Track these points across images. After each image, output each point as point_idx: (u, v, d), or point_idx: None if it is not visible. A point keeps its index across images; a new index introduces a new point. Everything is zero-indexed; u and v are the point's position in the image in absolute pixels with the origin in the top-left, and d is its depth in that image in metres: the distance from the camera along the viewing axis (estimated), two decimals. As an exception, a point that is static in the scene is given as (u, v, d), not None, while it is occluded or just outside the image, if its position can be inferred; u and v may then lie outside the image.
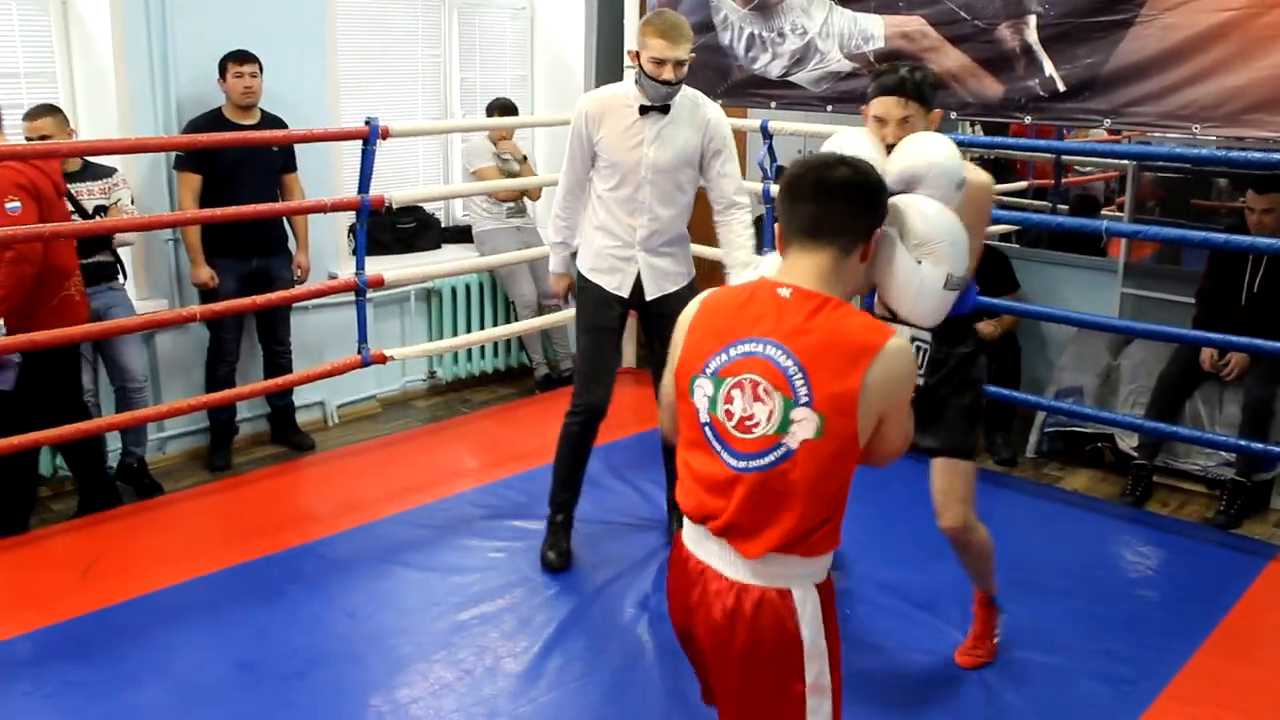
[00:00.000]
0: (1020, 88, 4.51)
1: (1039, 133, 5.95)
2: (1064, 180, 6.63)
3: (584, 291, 3.80)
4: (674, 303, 3.59)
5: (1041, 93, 4.46)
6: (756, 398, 1.86)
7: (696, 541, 1.99)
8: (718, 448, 1.92)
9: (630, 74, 3.62)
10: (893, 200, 2.12)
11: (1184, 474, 4.76)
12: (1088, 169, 6.74)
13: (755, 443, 1.87)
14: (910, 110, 2.82)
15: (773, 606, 1.90)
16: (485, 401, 5.86)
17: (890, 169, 2.46)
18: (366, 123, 4.60)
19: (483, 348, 6.01)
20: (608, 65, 6.18)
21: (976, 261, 2.86)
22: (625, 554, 3.97)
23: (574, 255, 3.92)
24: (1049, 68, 4.43)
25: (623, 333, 3.87)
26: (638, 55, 3.49)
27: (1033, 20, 4.42)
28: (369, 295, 4.90)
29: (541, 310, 5.87)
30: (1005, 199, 7.14)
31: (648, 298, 3.75)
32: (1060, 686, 3.20)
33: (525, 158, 5.95)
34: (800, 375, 1.83)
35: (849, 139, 2.71)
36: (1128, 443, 4.83)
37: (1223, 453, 4.56)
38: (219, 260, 4.67)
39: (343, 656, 3.28)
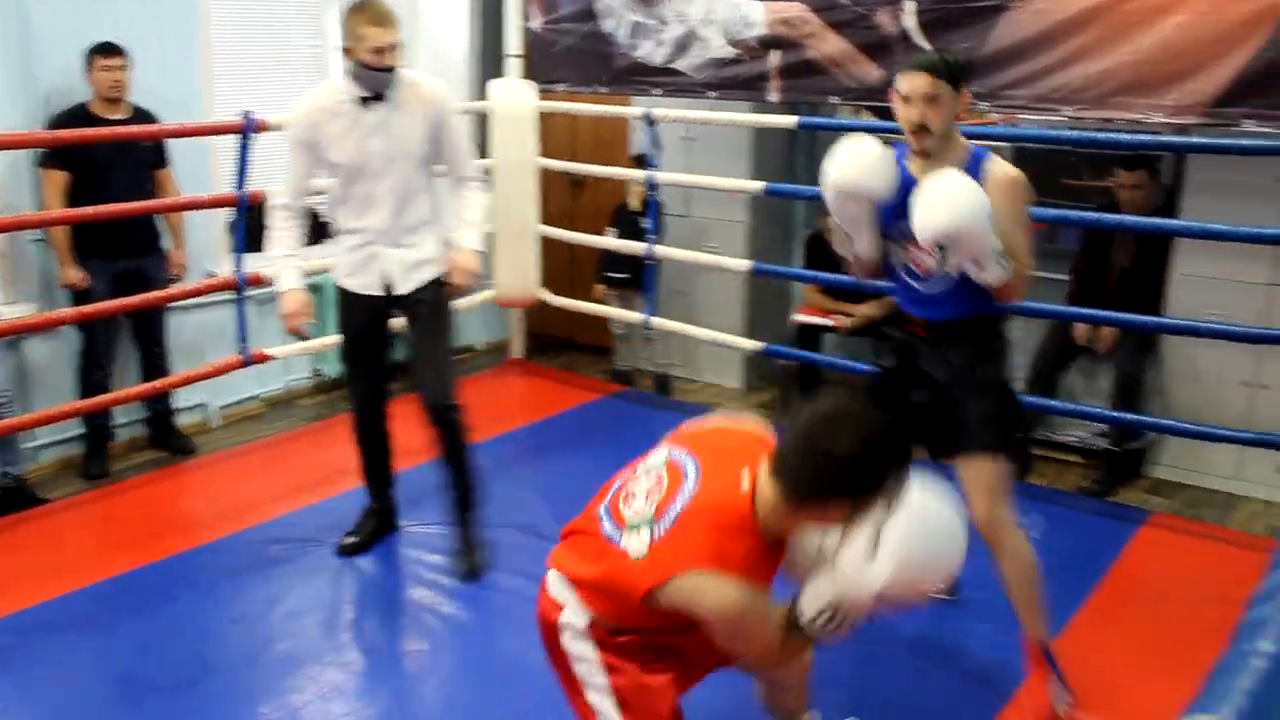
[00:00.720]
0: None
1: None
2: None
3: (338, 298, 3.76)
4: (429, 293, 3.66)
5: (918, 77, 4.53)
6: (647, 495, 2.10)
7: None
8: (601, 508, 2.20)
9: (341, 71, 3.53)
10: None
11: (1061, 445, 4.91)
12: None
13: (618, 517, 2.12)
14: (940, 89, 2.77)
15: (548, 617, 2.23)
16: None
17: (918, 229, 2.65)
18: (242, 116, 4.49)
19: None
20: (490, 56, 6.12)
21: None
22: (514, 549, 3.94)
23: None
24: (926, 52, 4.50)
25: (382, 336, 3.79)
26: (350, 50, 3.37)
27: (910, 6, 4.50)
28: (249, 293, 4.78)
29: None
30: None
31: (399, 291, 3.65)
32: (943, 653, 3.27)
33: None
34: (669, 519, 2.03)
35: (857, 145, 2.81)
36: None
37: (1097, 423, 4.70)
38: (90, 261, 4.50)
39: (231, 664, 3.21)
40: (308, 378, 5.80)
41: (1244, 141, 3.88)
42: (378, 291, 3.64)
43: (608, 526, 2.13)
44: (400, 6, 6.28)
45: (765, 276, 5.48)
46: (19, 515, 4.22)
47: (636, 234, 5.56)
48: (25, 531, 4.08)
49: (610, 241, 5.72)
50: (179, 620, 3.43)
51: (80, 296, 4.46)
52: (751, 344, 5.26)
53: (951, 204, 2.58)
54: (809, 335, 5.39)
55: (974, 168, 2.80)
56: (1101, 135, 4.33)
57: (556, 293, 5.93)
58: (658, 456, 2.19)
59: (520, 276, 5.81)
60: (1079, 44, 4.17)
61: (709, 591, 1.97)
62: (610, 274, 5.88)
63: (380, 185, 3.51)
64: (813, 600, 2.10)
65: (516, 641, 3.31)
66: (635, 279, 5.69)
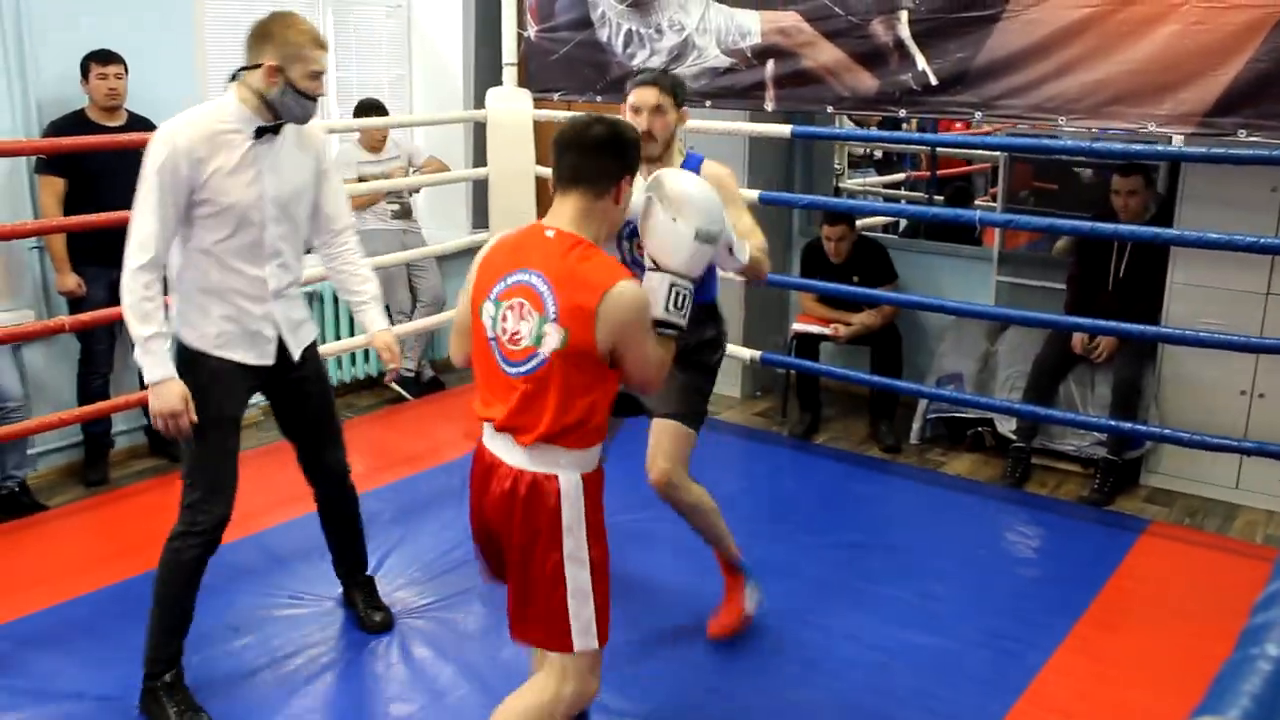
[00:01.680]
0: (894, 82, 4.60)
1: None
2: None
3: (203, 375, 2.94)
4: (314, 356, 3.25)
5: (915, 86, 4.56)
6: (521, 317, 2.29)
7: (489, 438, 2.39)
8: (498, 359, 2.33)
9: (227, 96, 2.97)
10: (656, 173, 2.49)
11: (1060, 454, 4.91)
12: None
13: (520, 353, 2.29)
14: (662, 100, 3.10)
15: (540, 488, 2.29)
16: (369, 406, 5.77)
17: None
18: (239, 124, 4.49)
19: (367, 351, 5.92)
20: (486, 63, 6.14)
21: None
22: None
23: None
24: (921, 62, 4.52)
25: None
26: (278, 69, 2.86)
27: (904, 15, 4.51)
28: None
29: (413, 318, 5.81)
30: (885, 191, 7.32)
31: (295, 358, 3.14)
32: (947, 664, 3.28)
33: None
34: (550, 297, 2.25)
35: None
36: (1006, 426, 4.97)
37: (1095, 432, 4.72)
38: (87, 268, 4.50)
39: (229, 673, 3.20)
40: (305, 386, 5.79)
41: (1238, 151, 3.90)
42: (270, 361, 3.08)
43: (518, 367, 2.30)
44: (395, 14, 6.34)
45: (762, 285, 5.48)
46: (19, 521, 4.21)
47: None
48: (25, 537, 4.08)
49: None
50: (177, 629, 3.42)
51: (78, 304, 4.47)
52: (749, 352, 5.27)
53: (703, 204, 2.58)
54: (807, 344, 5.41)
55: (692, 167, 3.12)
56: (1097, 145, 4.36)
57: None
58: (493, 309, 2.36)
59: (517, 285, 5.81)
60: (1072, 54, 4.19)
61: (638, 295, 2.28)
62: None
63: (268, 233, 2.97)
64: (656, 294, 2.35)
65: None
66: None
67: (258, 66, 2.88)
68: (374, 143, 5.70)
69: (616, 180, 2.36)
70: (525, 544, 2.32)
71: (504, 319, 2.32)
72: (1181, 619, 3.57)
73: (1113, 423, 4.53)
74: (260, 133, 2.91)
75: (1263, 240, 3.99)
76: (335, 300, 5.72)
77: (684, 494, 3.23)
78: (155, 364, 2.81)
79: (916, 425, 5.32)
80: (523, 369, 2.29)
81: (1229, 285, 4.46)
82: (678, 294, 2.35)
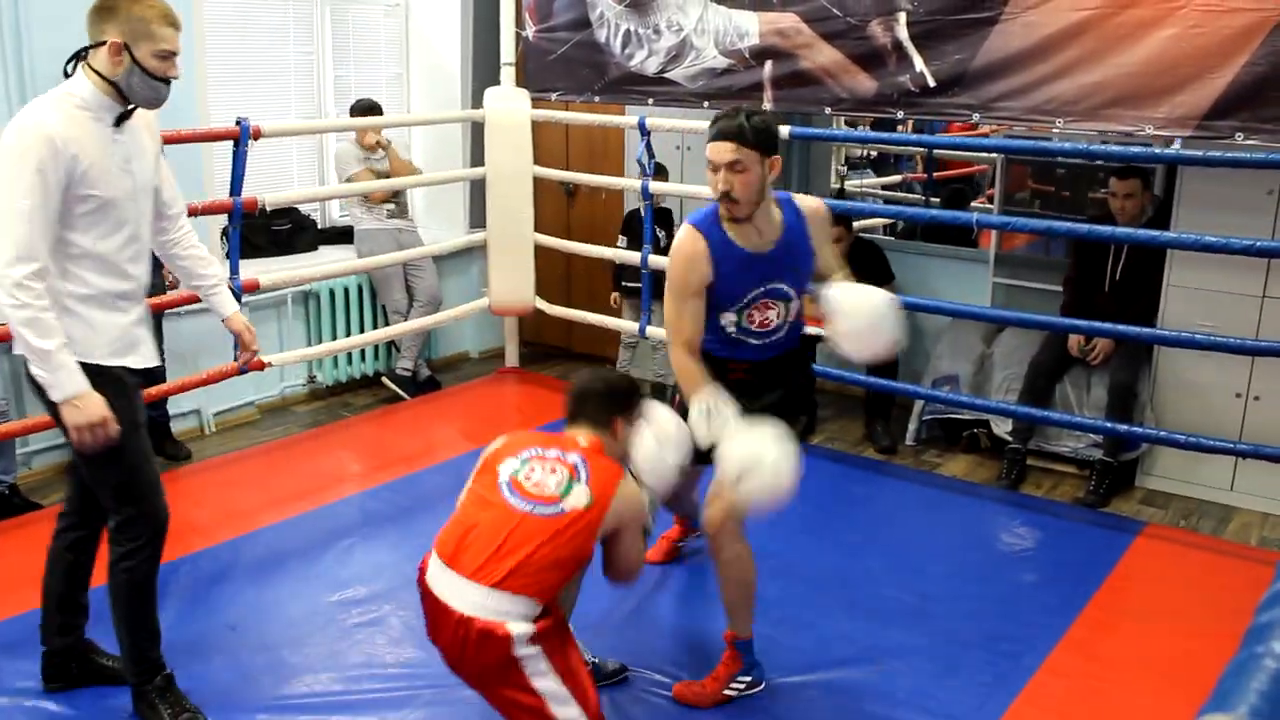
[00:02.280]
0: (892, 83, 4.61)
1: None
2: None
3: (106, 389, 2.68)
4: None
5: (913, 88, 4.56)
6: (552, 471, 2.60)
7: (435, 575, 2.59)
8: (505, 492, 2.58)
9: (76, 79, 2.71)
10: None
11: (1056, 456, 4.92)
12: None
13: (541, 496, 2.55)
14: (742, 155, 2.86)
15: (491, 634, 2.46)
16: (366, 405, 5.77)
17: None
18: (237, 123, 4.50)
19: (364, 350, 5.92)
20: (484, 62, 6.14)
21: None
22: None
23: None
24: (919, 64, 4.53)
25: None
26: (124, 46, 2.63)
27: (903, 17, 4.52)
28: (245, 300, 4.79)
29: (409, 318, 5.81)
30: (883, 193, 7.32)
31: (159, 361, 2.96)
32: (943, 666, 3.28)
33: (390, 141, 5.82)
34: (584, 469, 2.60)
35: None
36: (1002, 428, 4.97)
37: (1091, 434, 4.72)
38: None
39: (226, 673, 3.19)
40: (303, 384, 5.80)
41: (1235, 154, 3.91)
42: (156, 361, 2.95)
43: (535, 508, 2.54)
44: (393, 13, 6.34)
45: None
46: (12, 521, 4.20)
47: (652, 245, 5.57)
48: (19, 537, 4.06)
49: (605, 251, 5.71)
50: (173, 628, 3.39)
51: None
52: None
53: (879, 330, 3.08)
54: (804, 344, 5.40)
55: (790, 214, 3.07)
56: (1094, 147, 4.37)
57: (552, 301, 5.94)
58: (518, 464, 2.67)
59: (515, 285, 5.82)
60: (1070, 56, 4.19)
61: (637, 496, 2.70)
62: (629, 284, 5.76)
63: (141, 228, 2.79)
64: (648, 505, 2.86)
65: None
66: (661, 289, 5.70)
67: (101, 44, 2.65)
68: (371, 142, 5.70)
69: (615, 424, 2.81)
70: (481, 684, 2.60)
71: (531, 470, 2.62)
72: (1177, 620, 3.57)
73: (1108, 425, 4.54)
74: (120, 119, 2.70)
75: (1259, 243, 3.99)
76: (331, 300, 5.72)
77: (727, 544, 3.00)
78: (69, 376, 2.60)
79: (912, 426, 5.32)
80: (536, 508, 2.53)
81: (1225, 288, 4.47)
82: (651, 508, 2.81)
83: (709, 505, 3.00)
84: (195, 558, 3.88)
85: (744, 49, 5.01)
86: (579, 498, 2.55)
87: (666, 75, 5.29)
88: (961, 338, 5.34)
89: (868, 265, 5.37)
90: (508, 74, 5.75)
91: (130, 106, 2.71)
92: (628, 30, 5.39)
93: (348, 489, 4.54)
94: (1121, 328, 4.37)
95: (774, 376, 3.20)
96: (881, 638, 3.43)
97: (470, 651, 2.48)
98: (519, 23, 5.74)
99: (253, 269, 4.97)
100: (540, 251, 5.87)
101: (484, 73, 6.11)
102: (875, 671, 3.25)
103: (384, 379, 5.93)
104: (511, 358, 6.31)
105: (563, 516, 2.52)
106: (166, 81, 2.71)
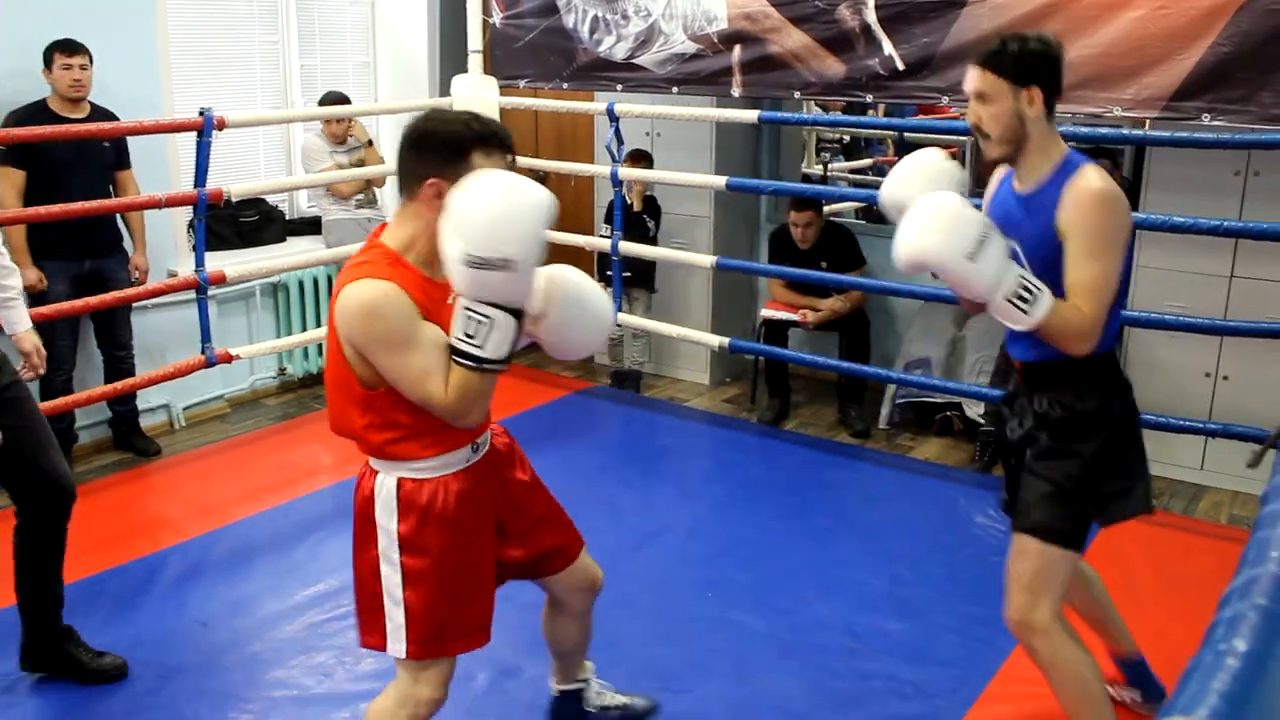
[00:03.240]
0: (861, 67, 4.60)
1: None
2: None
3: None
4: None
5: (882, 71, 4.56)
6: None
7: None
8: None
9: None
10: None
11: (1028, 438, 4.93)
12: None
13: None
14: (986, 85, 2.38)
15: (361, 482, 2.26)
16: (339, 397, 5.72)
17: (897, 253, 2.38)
18: (200, 113, 4.45)
19: (335, 342, 5.86)
20: (452, 49, 6.09)
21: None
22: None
23: None
24: (888, 47, 4.52)
25: None
26: None
27: (871, 1, 4.51)
28: (212, 292, 4.74)
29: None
30: (853, 176, 7.33)
31: None
32: (918, 648, 3.30)
33: (370, 141, 5.80)
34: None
35: (912, 158, 2.63)
36: (975, 410, 4.99)
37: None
38: (48, 262, 4.44)
39: (198, 668, 3.17)
40: (273, 377, 5.76)
41: (1202, 135, 3.92)
42: None
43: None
44: (360, 1, 6.28)
45: (730, 272, 5.49)
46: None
47: (640, 234, 5.54)
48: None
49: (573, 238, 5.69)
50: (145, 624, 3.39)
51: (39, 299, 4.40)
52: (717, 339, 5.27)
53: (919, 228, 2.33)
54: (775, 330, 5.41)
55: (1060, 178, 2.38)
56: (1063, 129, 4.36)
57: (522, 289, 5.90)
58: None
59: (485, 273, 5.78)
60: (1038, 38, 4.19)
61: (351, 303, 2.05)
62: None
63: None
64: (453, 320, 2.06)
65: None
66: (638, 278, 5.68)
67: None
68: (338, 134, 5.65)
69: (419, 180, 2.12)
70: (353, 536, 2.29)
71: None
72: (1150, 599, 3.60)
73: (1079, 406, 4.55)
74: None
75: (1226, 224, 4.01)
76: (301, 291, 5.67)
77: (1042, 642, 2.47)
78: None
79: (885, 410, 5.33)
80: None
81: (1193, 269, 4.49)
82: (472, 320, 2.02)
83: (1008, 601, 2.50)
84: (166, 554, 3.86)
85: (713, 33, 4.99)
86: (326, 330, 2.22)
87: (635, 61, 5.26)
88: (933, 321, 5.35)
89: (839, 250, 5.38)
90: (475, 61, 5.70)
91: None
92: (596, 16, 5.36)
93: (320, 481, 4.51)
94: (1091, 309, 4.38)
95: (1039, 386, 2.52)
96: (855, 622, 3.44)
97: (354, 499, 2.29)
98: (486, 10, 5.70)
99: (220, 261, 4.92)
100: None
101: (452, 60, 6.06)
102: (849, 655, 3.26)
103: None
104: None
105: (325, 357, 2.24)
106: None
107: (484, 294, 2.00)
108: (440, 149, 2.12)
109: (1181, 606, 3.47)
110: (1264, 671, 0.73)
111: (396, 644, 2.24)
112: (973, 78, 2.40)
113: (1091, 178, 2.33)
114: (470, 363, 2.04)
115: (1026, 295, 2.28)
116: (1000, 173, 2.63)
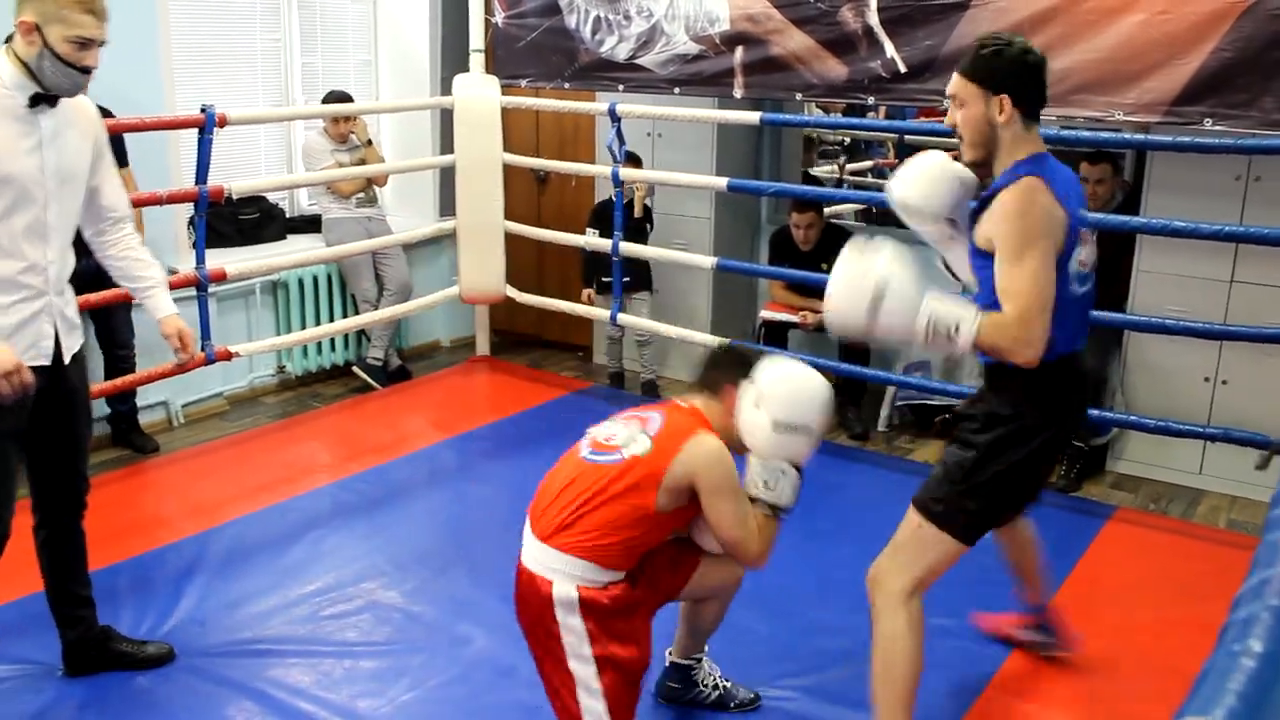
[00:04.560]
0: (863, 69, 4.60)
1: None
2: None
3: None
4: (80, 366, 2.92)
5: (884, 74, 4.56)
6: (625, 427, 2.49)
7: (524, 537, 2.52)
8: (582, 446, 2.53)
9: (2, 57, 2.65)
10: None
11: (1027, 441, 4.93)
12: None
13: (607, 446, 2.46)
14: (961, 89, 2.49)
15: (535, 586, 2.42)
16: (337, 395, 5.72)
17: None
18: (202, 110, 4.44)
19: (334, 340, 5.86)
20: (454, 48, 6.08)
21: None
22: (501, 540, 3.92)
23: None
24: (890, 49, 4.52)
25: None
26: (36, 27, 2.57)
27: (873, 3, 4.51)
28: (212, 290, 4.73)
29: (379, 307, 5.76)
30: (853, 179, 7.33)
31: (65, 360, 2.81)
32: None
33: (370, 141, 5.80)
34: (658, 423, 2.46)
35: (919, 160, 2.74)
36: (974, 413, 4.98)
37: (1062, 420, 4.74)
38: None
39: (195, 667, 3.16)
40: (273, 375, 5.75)
41: (1204, 140, 3.92)
42: (48, 361, 2.75)
43: (596, 456, 2.46)
44: (362, 0, 6.27)
45: (731, 273, 5.49)
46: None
47: (636, 237, 5.53)
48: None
49: (577, 238, 5.68)
50: (143, 622, 3.37)
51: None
52: (717, 340, 5.26)
53: (828, 293, 2.51)
54: (775, 332, 5.41)
55: (996, 188, 2.47)
56: (1064, 132, 4.37)
57: (523, 289, 5.90)
58: (615, 422, 2.57)
59: (485, 273, 5.79)
60: (1039, 42, 4.15)
61: (718, 450, 2.41)
62: (608, 279, 5.54)
63: (52, 213, 2.69)
64: (752, 475, 2.49)
65: (491, 639, 3.30)
66: (638, 281, 5.67)
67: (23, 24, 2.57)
68: (340, 133, 5.64)
69: (721, 386, 2.58)
70: (531, 641, 2.51)
71: (613, 427, 2.54)
72: (1148, 604, 3.60)
73: (1079, 409, 4.55)
74: (35, 101, 2.64)
75: (1227, 228, 4.01)
76: (300, 290, 5.67)
77: (882, 604, 2.59)
78: None
79: (884, 412, 5.33)
80: (596, 457, 2.46)
81: (1193, 273, 4.49)
82: (772, 474, 2.46)
83: (882, 555, 2.66)
84: (162, 552, 3.85)
85: (715, 34, 4.99)
86: (639, 445, 2.42)
87: (637, 61, 5.26)
88: (933, 324, 5.34)
89: (839, 251, 5.36)
90: (477, 60, 5.70)
91: (47, 92, 2.65)
92: (598, 16, 5.36)
93: (318, 480, 4.50)
94: (1092, 313, 4.37)
95: (989, 383, 2.65)
96: (854, 625, 3.40)
97: (520, 605, 2.49)
98: (488, 9, 5.70)
99: (220, 258, 4.91)
100: (511, 239, 5.83)
101: (453, 59, 6.06)
102: (848, 660, 3.24)
103: (354, 369, 5.88)
104: (483, 346, 6.28)
105: (618, 464, 2.41)
106: (84, 70, 2.65)
107: (782, 454, 2.44)
108: (738, 365, 2.58)
109: (1180, 611, 3.47)
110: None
111: None
112: (952, 81, 2.53)
113: (1014, 187, 2.39)
114: (769, 511, 2.49)
115: (948, 327, 2.37)
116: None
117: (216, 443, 4.98)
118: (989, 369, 2.62)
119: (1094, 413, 4.50)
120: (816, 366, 5.13)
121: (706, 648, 2.99)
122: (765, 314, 5.46)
